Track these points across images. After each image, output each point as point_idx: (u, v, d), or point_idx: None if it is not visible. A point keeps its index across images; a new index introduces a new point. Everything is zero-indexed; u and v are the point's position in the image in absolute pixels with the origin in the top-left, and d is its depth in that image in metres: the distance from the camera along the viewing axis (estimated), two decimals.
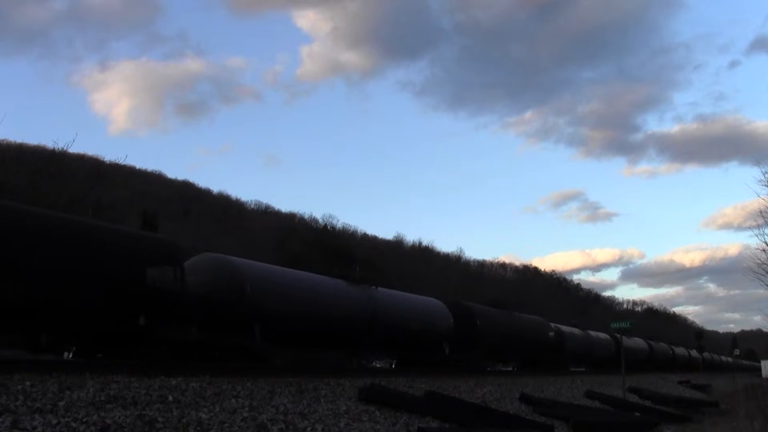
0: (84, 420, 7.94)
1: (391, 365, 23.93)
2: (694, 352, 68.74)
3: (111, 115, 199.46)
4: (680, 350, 61.10)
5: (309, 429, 10.24)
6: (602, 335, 40.56)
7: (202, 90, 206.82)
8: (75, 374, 10.03)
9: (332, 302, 18.10)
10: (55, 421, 7.68)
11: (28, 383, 8.87)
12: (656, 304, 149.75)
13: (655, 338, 54.75)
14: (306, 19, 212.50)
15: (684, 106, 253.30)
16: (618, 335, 39.77)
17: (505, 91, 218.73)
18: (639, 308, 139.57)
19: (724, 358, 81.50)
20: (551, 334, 31.55)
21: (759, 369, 71.93)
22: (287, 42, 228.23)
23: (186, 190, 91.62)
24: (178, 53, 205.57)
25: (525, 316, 30.81)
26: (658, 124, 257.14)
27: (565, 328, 34.56)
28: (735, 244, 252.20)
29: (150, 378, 10.67)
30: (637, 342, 46.51)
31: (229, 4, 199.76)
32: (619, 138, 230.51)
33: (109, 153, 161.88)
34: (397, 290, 24.18)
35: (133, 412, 8.73)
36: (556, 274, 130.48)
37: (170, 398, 9.85)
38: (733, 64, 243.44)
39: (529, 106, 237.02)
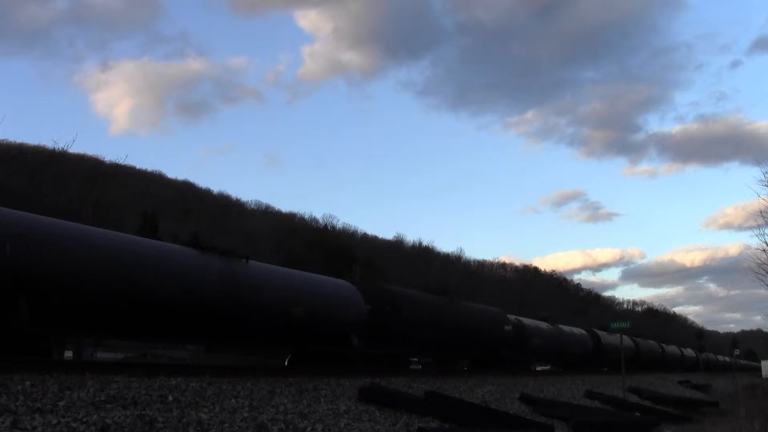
0: (84, 420, 7.94)
1: (285, 362, 19.35)
2: (687, 351, 64.90)
3: (112, 115, 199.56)
4: (672, 348, 57.40)
5: (309, 429, 10.24)
6: (577, 330, 37.05)
7: (203, 90, 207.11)
8: (75, 374, 10.04)
9: (162, 274, 13.61)
10: (55, 421, 7.68)
11: (28, 383, 8.87)
12: (656, 304, 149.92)
13: (643, 336, 54.22)
14: (308, 19, 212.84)
15: (685, 106, 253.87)
16: (596, 331, 37.84)
17: (506, 91, 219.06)
18: (639, 308, 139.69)
19: (721, 357, 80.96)
20: (508, 327, 27.44)
21: (759, 369, 71.97)
22: (289, 42, 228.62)
23: (186, 190, 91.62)
24: (180, 53, 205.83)
25: (474, 305, 26.87)
26: (659, 124, 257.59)
27: (527, 322, 30.70)
28: (736, 244, 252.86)
29: (150, 378, 10.68)
30: (618, 338, 43.55)
31: (231, 4, 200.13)
32: (620, 138, 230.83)
33: (110, 153, 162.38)
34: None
35: (133, 412, 8.73)
36: (556, 274, 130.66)
37: (170, 398, 9.86)
38: (735, 64, 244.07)
39: (531, 106, 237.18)
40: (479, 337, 24.94)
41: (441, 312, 22.61)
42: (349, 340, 18.24)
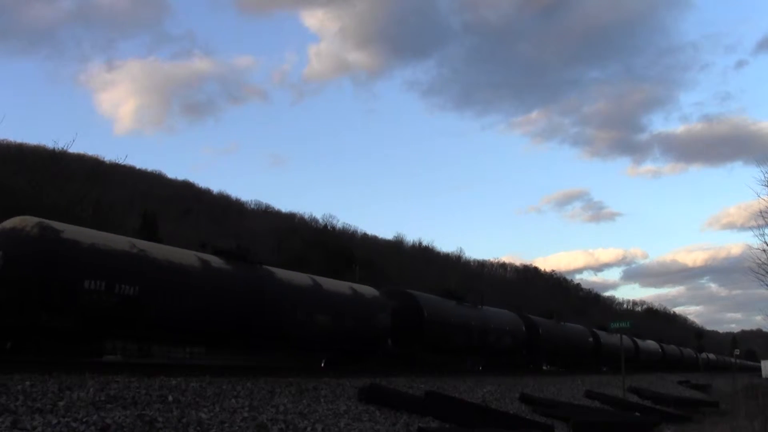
0: (84, 420, 7.94)
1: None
2: (646, 343, 50.03)
3: (117, 114, 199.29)
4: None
5: (309, 429, 10.24)
6: (345, 288, 19.88)
7: (209, 89, 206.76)
8: (75, 374, 10.04)
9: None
10: (55, 421, 7.68)
11: (28, 383, 8.87)
12: (656, 305, 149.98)
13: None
14: (314, 19, 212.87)
15: (690, 106, 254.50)
16: (415, 294, 21.97)
17: (511, 91, 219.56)
18: (639, 308, 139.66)
19: (705, 354, 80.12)
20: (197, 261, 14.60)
21: (759, 369, 71.93)
22: (295, 41, 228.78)
23: (186, 190, 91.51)
24: (186, 53, 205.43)
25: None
26: (663, 124, 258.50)
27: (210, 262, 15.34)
28: (738, 244, 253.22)
29: (150, 378, 10.68)
30: (498, 316, 27.42)
31: (237, 4, 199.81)
32: (625, 138, 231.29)
33: (114, 153, 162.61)
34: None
35: (133, 412, 8.73)
36: (556, 274, 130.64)
37: (170, 398, 9.86)
38: (740, 64, 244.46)
39: (536, 106, 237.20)
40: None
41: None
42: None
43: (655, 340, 53.15)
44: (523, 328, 28.45)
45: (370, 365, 19.29)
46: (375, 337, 19.81)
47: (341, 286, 19.70)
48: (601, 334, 37.70)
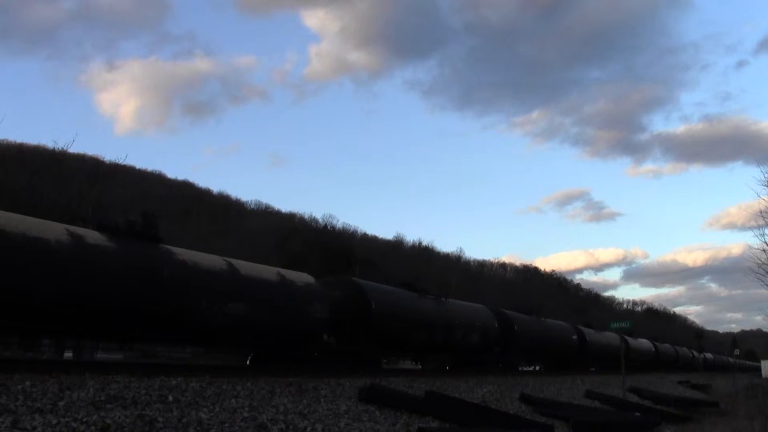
0: (84, 420, 7.94)
1: None
2: (638, 342, 46.70)
3: (117, 114, 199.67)
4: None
5: (309, 429, 10.24)
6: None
7: (210, 89, 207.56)
8: (75, 374, 10.05)
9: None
10: (55, 421, 7.68)
11: (28, 383, 8.87)
12: (656, 304, 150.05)
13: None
14: (315, 19, 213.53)
15: (690, 106, 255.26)
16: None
17: (512, 91, 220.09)
18: (639, 308, 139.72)
19: (703, 354, 80.00)
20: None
21: (759, 369, 71.92)
22: (296, 41, 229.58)
23: (186, 190, 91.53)
24: (187, 53, 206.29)
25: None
26: (664, 124, 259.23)
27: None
28: (738, 244, 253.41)
29: (150, 378, 10.68)
30: (466, 311, 24.86)
31: (238, 4, 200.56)
32: (625, 138, 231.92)
33: (115, 153, 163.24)
34: None
35: (133, 412, 8.73)
36: (556, 274, 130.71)
37: (170, 398, 9.86)
38: (741, 64, 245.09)
39: (536, 106, 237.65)
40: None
41: None
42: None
43: (649, 338, 52.68)
44: (496, 324, 25.73)
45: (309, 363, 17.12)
46: (307, 330, 17.13)
47: (265, 271, 16.88)
48: (588, 331, 36.29)
